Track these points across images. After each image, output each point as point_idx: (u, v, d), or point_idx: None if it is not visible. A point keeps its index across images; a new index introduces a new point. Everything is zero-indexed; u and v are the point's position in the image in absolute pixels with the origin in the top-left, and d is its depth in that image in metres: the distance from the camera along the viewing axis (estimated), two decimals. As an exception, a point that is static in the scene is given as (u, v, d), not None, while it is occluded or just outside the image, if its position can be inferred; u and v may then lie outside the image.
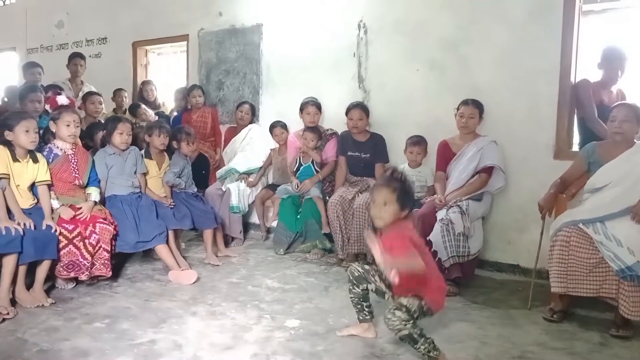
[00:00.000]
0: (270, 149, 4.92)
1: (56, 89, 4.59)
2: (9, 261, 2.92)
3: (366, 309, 2.65)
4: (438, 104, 4.13)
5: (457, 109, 3.72)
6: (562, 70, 3.69)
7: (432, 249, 3.21)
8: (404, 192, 2.35)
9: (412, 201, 2.44)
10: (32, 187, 3.24)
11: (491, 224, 3.94)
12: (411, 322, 2.27)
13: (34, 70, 5.17)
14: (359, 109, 4.27)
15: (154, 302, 3.15)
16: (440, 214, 3.46)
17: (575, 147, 3.77)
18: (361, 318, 2.67)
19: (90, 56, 6.13)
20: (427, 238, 3.26)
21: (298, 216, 4.40)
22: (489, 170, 3.67)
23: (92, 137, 4.07)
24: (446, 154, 3.81)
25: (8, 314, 2.81)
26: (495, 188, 3.73)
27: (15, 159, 3.11)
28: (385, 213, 2.34)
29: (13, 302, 2.98)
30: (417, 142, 4.02)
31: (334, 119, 4.61)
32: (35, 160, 3.21)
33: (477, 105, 3.70)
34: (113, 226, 3.43)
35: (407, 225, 2.39)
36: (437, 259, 3.34)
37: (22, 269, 3.03)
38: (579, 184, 3.18)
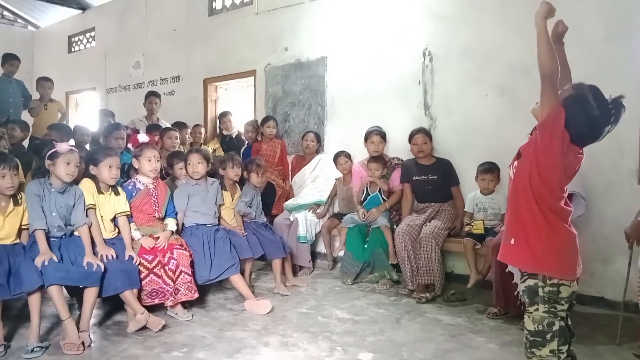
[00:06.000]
0: (335, 179, 4.96)
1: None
2: (90, 294, 3.05)
3: None
4: (510, 130, 3.98)
5: (531, 134, 3.58)
6: (644, 91, 3.50)
7: (507, 270, 3.08)
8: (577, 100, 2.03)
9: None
10: (114, 219, 3.41)
11: (572, 254, 3.72)
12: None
13: (107, 119, 5.64)
14: (422, 133, 4.30)
15: (228, 331, 3.21)
16: (517, 243, 3.31)
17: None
18: None
19: (164, 94, 6.50)
20: (507, 270, 3.13)
21: (365, 245, 4.37)
22: (568, 197, 3.49)
23: (172, 166, 4.21)
24: (521, 181, 3.68)
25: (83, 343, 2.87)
26: (575, 216, 3.50)
27: (99, 192, 3.31)
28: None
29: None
30: (489, 170, 3.92)
31: (401, 148, 4.60)
32: (117, 193, 3.41)
33: (553, 130, 3.56)
34: (189, 252, 3.56)
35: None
36: (513, 282, 3.20)
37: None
38: (669, 211, 2.98)
